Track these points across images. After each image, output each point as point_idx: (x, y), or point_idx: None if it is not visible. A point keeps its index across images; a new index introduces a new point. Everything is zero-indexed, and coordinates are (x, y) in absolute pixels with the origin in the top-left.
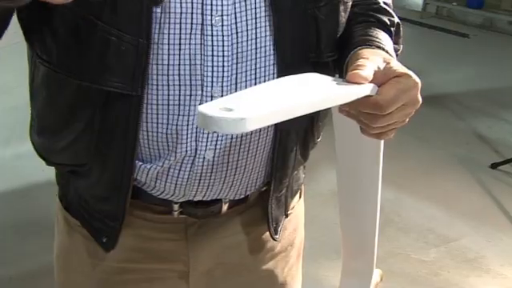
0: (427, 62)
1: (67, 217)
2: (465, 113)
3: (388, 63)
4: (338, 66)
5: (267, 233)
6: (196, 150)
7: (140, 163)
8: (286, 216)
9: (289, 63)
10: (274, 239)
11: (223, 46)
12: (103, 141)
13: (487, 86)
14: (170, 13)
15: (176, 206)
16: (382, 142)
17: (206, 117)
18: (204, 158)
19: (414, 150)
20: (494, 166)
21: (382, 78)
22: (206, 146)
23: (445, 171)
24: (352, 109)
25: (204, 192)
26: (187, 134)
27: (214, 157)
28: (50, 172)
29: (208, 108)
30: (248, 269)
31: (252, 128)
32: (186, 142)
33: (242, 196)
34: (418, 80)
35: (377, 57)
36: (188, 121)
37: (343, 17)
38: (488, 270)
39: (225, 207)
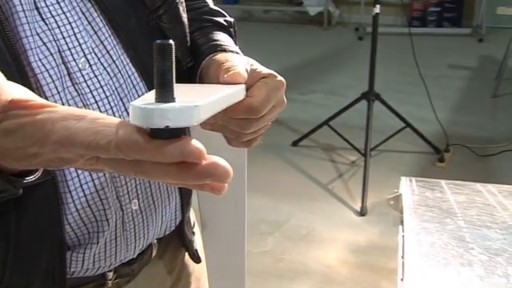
0: None
1: None
2: None
3: (252, 65)
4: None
5: (188, 257)
6: (121, 206)
7: (70, 252)
8: (193, 233)
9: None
10: (196, 262)
11: (101, 86)
12: (23, 245)
13: None
14: (36, 75)
15: (110, 275)
16: (246, 154)
17: (149, 110)
18: (132, 209)
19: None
20: (295, 143)
21: (250, 80)
22: (129, 197)
23: (256, 161)
24: (220, 119)
25: (142, 243)
26: (110, 195)
27: (139, 204)
28: None
29: (145, 102)
30: None
31: (204, 117)
32: (113, 204)
33: (168, 231)
34: (283, 80)
35: (239, 59)
36: (106, 180)
37: (185, 18)
38: (322, 240)
39: (154, 251)
